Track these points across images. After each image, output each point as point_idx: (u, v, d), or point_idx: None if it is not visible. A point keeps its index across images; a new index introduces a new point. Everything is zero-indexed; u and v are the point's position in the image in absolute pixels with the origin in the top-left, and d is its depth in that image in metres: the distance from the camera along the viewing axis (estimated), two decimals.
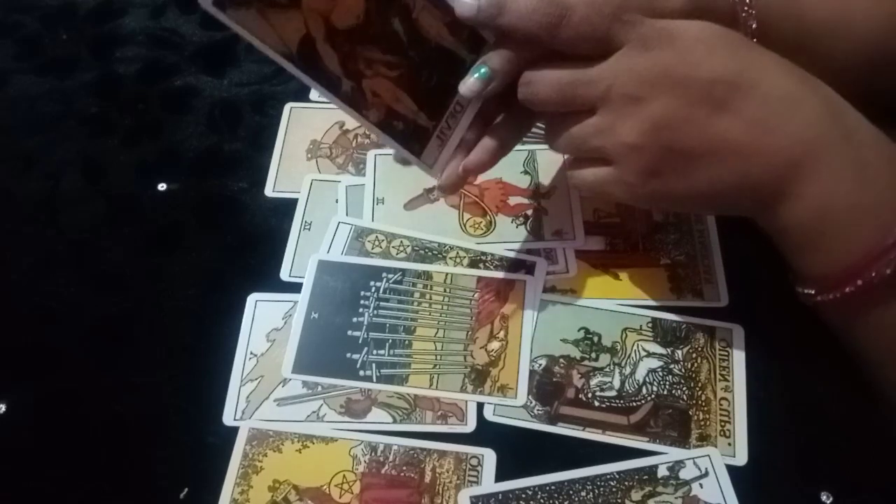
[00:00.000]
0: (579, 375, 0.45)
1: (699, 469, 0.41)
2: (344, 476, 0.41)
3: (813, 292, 0.40)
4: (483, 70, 0.39)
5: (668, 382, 0.44)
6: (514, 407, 0.44)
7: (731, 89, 0.37)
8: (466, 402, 0.44)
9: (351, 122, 0.56)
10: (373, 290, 0.47)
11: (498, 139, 0.42)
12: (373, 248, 0.49)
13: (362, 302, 0.47)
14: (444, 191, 0.44)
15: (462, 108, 0.41)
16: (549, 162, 0.53)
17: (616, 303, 0.47)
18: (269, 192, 0.53)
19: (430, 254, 0.49)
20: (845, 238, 0.38)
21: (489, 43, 0.41)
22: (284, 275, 0.48)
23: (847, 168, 0.37)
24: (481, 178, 0.52)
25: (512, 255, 0.49)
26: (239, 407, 0.44)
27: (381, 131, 0.39)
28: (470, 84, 0.40)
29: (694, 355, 0.45)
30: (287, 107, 0.57)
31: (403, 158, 0.41)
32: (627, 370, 0.45)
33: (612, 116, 0.38)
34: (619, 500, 0.40)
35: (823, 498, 0.40)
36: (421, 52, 0.40)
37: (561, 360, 0.45)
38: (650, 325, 0.46)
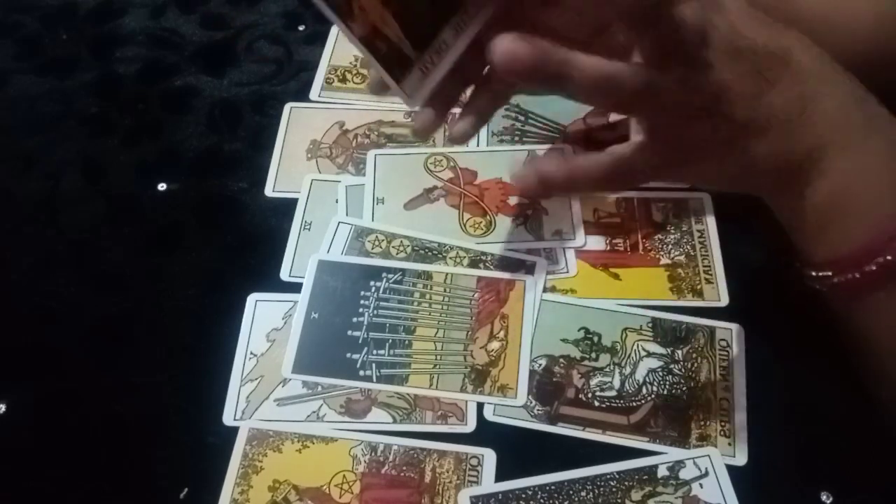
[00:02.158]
0: (579, 375, 0.45)
1: (699, 469, 0.41)
2: (344, 476, 0.41)
3: (829, 275, 0.40)
4: None
5: (668, 382, 0.44)
6: (514, 407, 0.44)
7: (772, 61, 0.37)
8: (466, 402, 0.44)
9: (351, 122, 0.56)
10: (373, 290, 0.47)
11: (475, 111, 0.42)
12: (373, 248, 0.49)
13: (362, 302, 0.47)
14: (416, 134, 0.42)
15: (447, 47, 0.40)
16: None
17: (616, 303, 0.47)
18: (269, 192, 0.53)
19: (430, 254, 0.49)
20: (862, 219, 0.38)
21: None
22: (284, 275, 0.48)
23: (869, 152, 0.38)
24: (481, 178, 0.52)
25: (512, 255, 0.49)
26: (239, 407, 0.44)
27: (365, 48, 0.38)
28: None
29: (694, 355, 0.45)
30: (287, 107, 0.57)
31: (383, 83, 0.40)
32: (627, 370, 0.45)
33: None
34: (619, 500, 0.40)
35: (823, 498, 0.41)
36: None
37: (561, 360, 0.45)
38: (650, 325, 0.46)
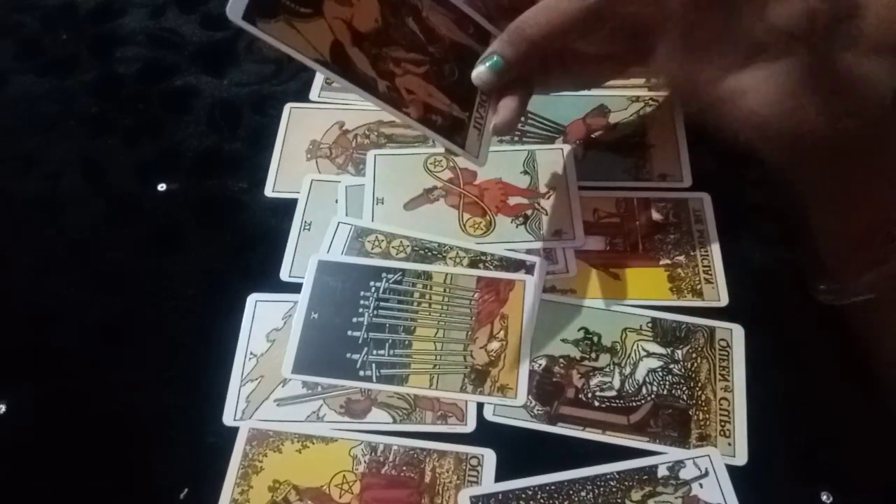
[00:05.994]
0: (579, 375, 0.45)
1: (699, 469, 0.41)
2: (344, 476, 0.41)
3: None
4: (496, 59, 0.40)
5: (668, 382, 0.44)
6: (514, 407, 0.44)
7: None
8: (466, 402, 0.44)
9: (351, 122, 0.56)
10: (373, 290, 0.47)
11: (516, 98, 0.41)
12: (373, 248, 0.49)
13: (362, 302, 0.47)
14: (502, 132, 0.42)
15: (487, 98, 0.42)
16: (549, 162, 0.53)
17: (616, 303, 0.47)
18: (269, 192, 0.53)
19: (429, 254, 0.49)
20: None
21: (494, 35, 0.42)
22: (284, 275, 0.48)
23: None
24: (481, 178, 0.52)
25: (512, 255, 0.49)
26: (239, 407, 0.44)
27: (424, 126, 0.40)
28: (481, 74, 0.40)
29: (694, 355, 0.45)
30: (287, 107, 0.57)
31: (451, 151, 0.41)
32: (627, 370, 0.45)
33: None
34: (619, 500, 0.40)
35: (823, 498, 0.41)
36: (439, 48, 0.41)
37: (561, 360, 0.45)
38: (650, 325, 0.46)
